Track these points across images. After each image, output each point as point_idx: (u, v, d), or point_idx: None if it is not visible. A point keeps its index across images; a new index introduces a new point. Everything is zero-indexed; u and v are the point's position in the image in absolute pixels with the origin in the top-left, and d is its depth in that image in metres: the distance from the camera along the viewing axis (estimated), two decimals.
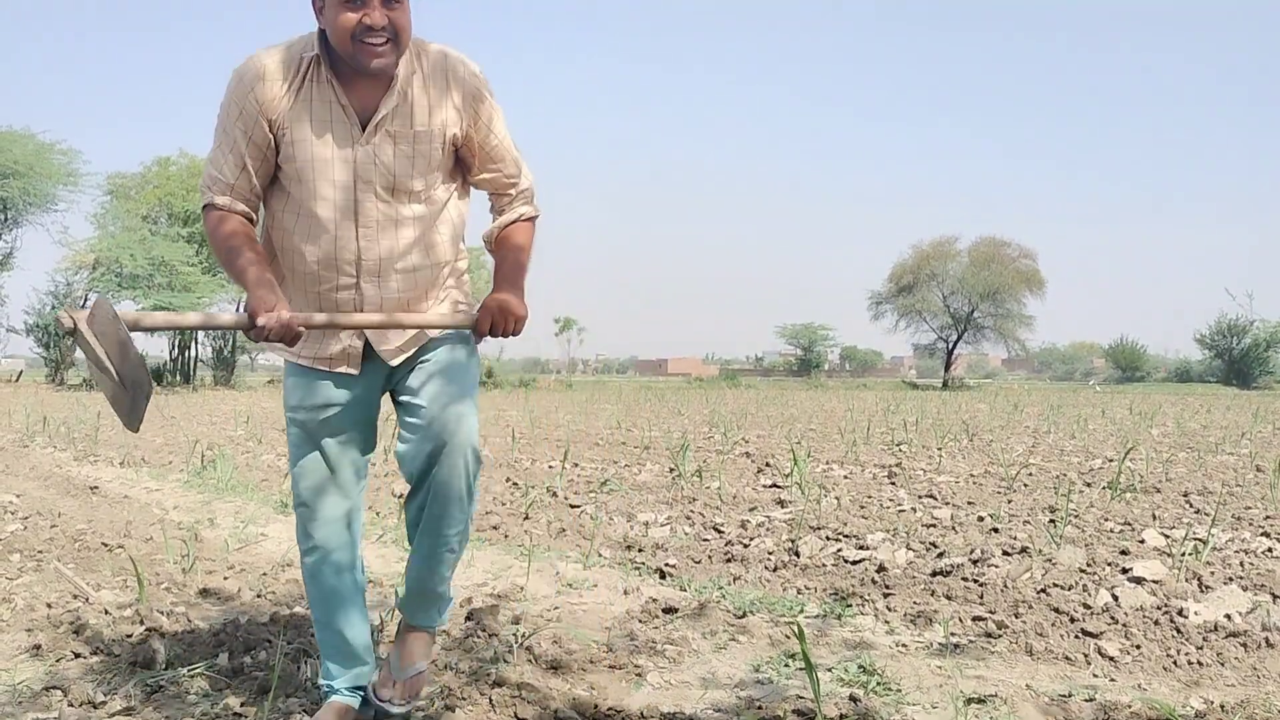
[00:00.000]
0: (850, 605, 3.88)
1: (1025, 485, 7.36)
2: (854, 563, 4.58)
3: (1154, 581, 4.10)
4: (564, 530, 5.51)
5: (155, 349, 42.66)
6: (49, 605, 3.84)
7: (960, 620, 3.65)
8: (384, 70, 2.30)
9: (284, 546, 5.04)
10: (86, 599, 3.94)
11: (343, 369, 2.52)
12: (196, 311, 2.44)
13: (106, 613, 3.69)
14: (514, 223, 2.62)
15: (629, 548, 5.03)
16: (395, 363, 2.52)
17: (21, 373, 39.68)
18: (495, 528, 5.60)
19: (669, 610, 3.78)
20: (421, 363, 2.53)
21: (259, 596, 4.04)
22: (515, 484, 7.45)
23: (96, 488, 7.36)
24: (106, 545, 5.03)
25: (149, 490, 7.38)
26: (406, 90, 2.37)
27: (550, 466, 8.72)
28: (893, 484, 7.47)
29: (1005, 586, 4.05)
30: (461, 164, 2.56)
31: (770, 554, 4.79)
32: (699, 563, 4.68)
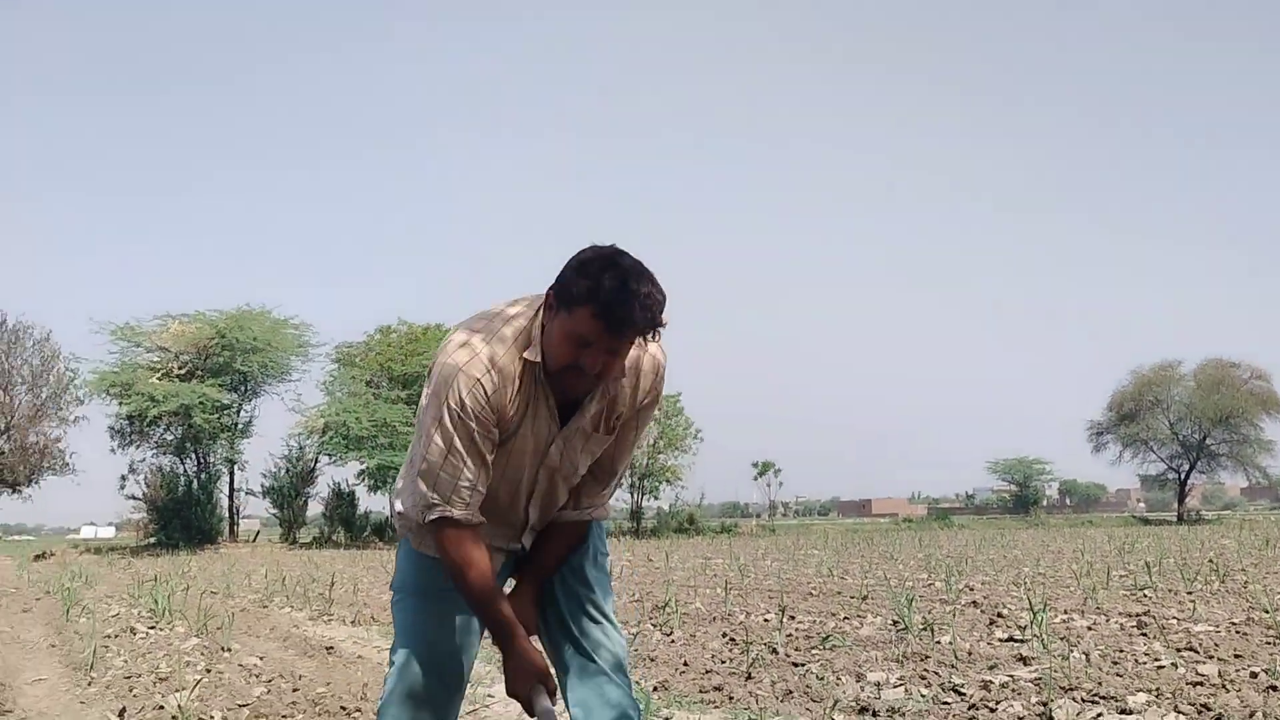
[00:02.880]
0: None
1: None
2: None
3: None
4: (791, 692, 5.29)
5: (378, 506, 44.83)
6: None
7: None
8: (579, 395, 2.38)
9: (513, 708, 5.05)
10: None
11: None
12: None
13: None
14: (576, 520, 2.62)
15: (863, 711, 4.77)
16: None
17: (259, 532, 42.46)
18: (718, 689, 5.44)
19: None
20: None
21: None
22: (732, 640, 7.26)
23: (332, 648, 7.65)
24: (345, 709, 5.18)
25: (379, 650, 7.61)
26: (610, 393, 2.41)
27: (766, 619, 8.49)
28: (1144, 635, 6.85)
29: None
30: None
31: (1022, 719, 4.44)
32: None
